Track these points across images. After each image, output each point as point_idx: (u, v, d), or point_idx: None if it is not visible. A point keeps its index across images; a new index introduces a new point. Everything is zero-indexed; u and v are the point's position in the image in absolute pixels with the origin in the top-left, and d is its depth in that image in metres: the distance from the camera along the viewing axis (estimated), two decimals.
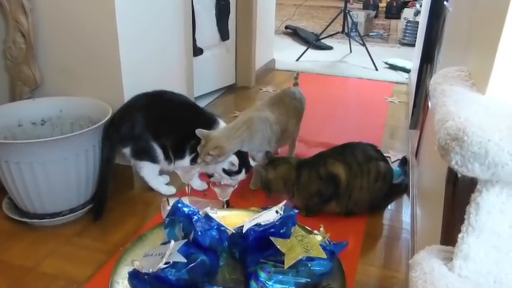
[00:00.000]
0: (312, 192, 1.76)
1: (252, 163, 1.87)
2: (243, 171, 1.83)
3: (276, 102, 2.09)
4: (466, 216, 0.66)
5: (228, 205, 1.71)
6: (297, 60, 4.14)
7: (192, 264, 1.09)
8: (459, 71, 0.84)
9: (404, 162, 2.18)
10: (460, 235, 0.66)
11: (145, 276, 1.06)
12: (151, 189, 1.93)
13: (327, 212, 1.78)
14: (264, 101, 2.16)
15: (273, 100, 2.13)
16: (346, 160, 1.75)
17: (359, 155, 1.76)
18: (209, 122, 1.85)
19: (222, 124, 1.88)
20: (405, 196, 1.97)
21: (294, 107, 2.12)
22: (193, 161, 1.84)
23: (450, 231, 0.76)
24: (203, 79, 2.89)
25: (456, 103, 0.68)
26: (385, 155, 2.00)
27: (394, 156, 2.31)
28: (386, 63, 4.03)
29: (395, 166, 2.15)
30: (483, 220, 0.64)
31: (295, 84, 2.28)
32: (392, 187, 1.88)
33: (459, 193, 0.73)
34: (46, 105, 1.84)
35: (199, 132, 1.77)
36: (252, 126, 1.86)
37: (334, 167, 1.75)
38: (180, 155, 1.84)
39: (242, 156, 1.82)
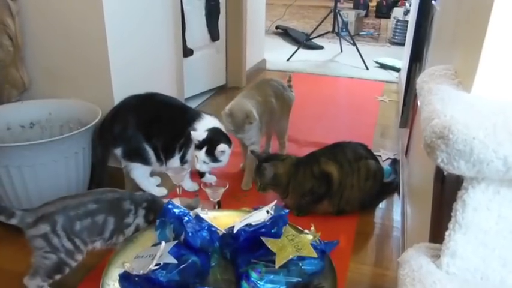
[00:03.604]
0: (305, 190, 1.76)
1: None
2: (203, 150, 1.74)
3: (262, 85, 2.14)
4: (453, 214, 0.66)
5: (220, 206, 1.71)
6: (288, 60, 4.15)
7: (183, 266, 1.09)
8: (445, 70, 0.85)
9: (395, 161, 2.19)
10: (447, 232, 0.67)
11: (136, 278, 1.06)
12: (142, 191, 1.92)
13: (319, 211, 1.78)
14: (249, 86, 2.18)
15: (259, 84, 2.17)
16: (337, 159, 1.76)
17: (349, 154, 1.77)
18: (194, 117, 1.83)
19: (205, 117, 1.85)
20: (396, 195, 1.98)
21: (281, 93, 2.15)
22: (183, 159, 1.83)
23: (438, 228, 0.76)
24: (193, 80, 2.88)
25: (442, 101, 0.69)
26: (375, 153, 2.01)
27: (384, 154, 2.32)
28: (376, 62, 4.05)
29: (386, 165, 2.16)
30: (470, 217, 0.65)
31: (289, 86, 2.29)
32: (383, 186, 1.89)
33: (446, 191, 0.74)
34: (35, 108, 1.83)
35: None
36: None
37: (327, 166, 1.75)
38: (170, 155, 1.84)
39: (211, 138, 1.75)
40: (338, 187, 1.74)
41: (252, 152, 1.88)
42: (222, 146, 1.74)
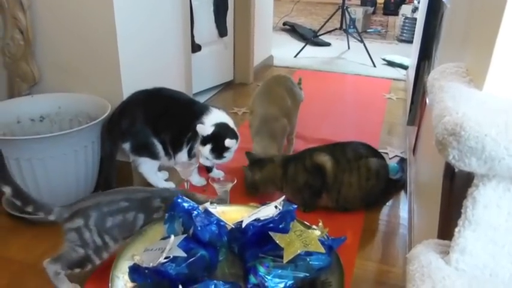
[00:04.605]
0: (300, 184, 1.77)
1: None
2: (208, 146, 1.73)
3: (274, 87, 2.17)
4: (462, 211, 0.67)
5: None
6: (295, 56, 4.14)
7: (192, 259, 1.10)
8: (457, 67, 0.85)
9: (402, 159, 2.18)
10: (456, 229, 0.67)
11: (146, 271, 1.07)
12: (150, 185, 1.93)
13: (321, 206, 1.79)
14: (261, 92, 2.18)
15: (270, 86, 2.19)
16: (335, 155, 1.77)
17: (349, 153, 1.78)
18: (202, 111, 1.83)
19: (213, 111, 1.85)
20: (403, 192, 1.98)
21: (290, 89, 2.17)
22: (190, 152, 1.84)
23: (447, 225, 0.77)
24: (201, 75, 2.89)
25: (453, 99, 0.69)
26: (382, 151, 2.01)
27: (391, 152, 2.32)
28: (384, 59, 4.04)
29: (393, 162, 2.16)
30: (480, 214, 0.65)
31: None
32: (389, 183, 1.89)
33: (456, 188, 0.74)
34: (45, 102, 1.84)
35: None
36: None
37: (318, 157, 1.77)
38: (178, 149, 1.85)
39: (217, 134, 1.74)
40: (334, 181, 1.74)
41: (247, 153, 1.89)
42: (228, 142, 1.73)
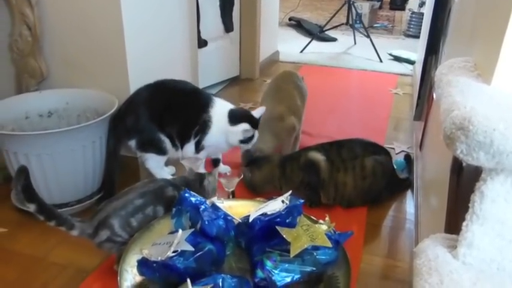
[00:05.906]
0: (297, 183, 1.78)
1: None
2: (255, 134, 1.85)
3: (283, 87, 2.17)
4: (470, 205, 0.67)
5: (234, 196, 1.72)
6: (301, 52, 4.13)
7: (200, 253, 1.10)
8: (465, 62, 0.85)
9: (409, 159, 2.12)
10: (464, 223, 0.67)
11: (154, 265, 1.08)
12: None
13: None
14: (272, 93, 2.18)
15: (279, 86, 2.19)
16: (329, 154, 1.77)
17: (344, 153, 1.78)
18: (207, 102, 1.84)
19: (217, 101, 1.86)
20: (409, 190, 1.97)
21: (296, 85, 2.18)
22: (198, 145, 1.85)
23: (454, 219, 0.77)
24: (207, 71, 2.89)
25: (462, 93, 0.69)
26: (389, 146, 1.99)
27: (398, 147, 2.31)
28: (390, 54, 4.02)
29: (399, 158, 2.15)
30: (487, 208, 0.65)
31: None
32: (395, 180, 1.88)
33: (463, 182, 0.74)
34: (53, 98, 1.86)
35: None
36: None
37: (311, 155, 1.78)
38: (185, 140, 1.85)
39: (252, 120, 1.82)
40: (329, 178, 1.75)
41: (246, 151, 1.90)
42: (256, 112, 1.85)
